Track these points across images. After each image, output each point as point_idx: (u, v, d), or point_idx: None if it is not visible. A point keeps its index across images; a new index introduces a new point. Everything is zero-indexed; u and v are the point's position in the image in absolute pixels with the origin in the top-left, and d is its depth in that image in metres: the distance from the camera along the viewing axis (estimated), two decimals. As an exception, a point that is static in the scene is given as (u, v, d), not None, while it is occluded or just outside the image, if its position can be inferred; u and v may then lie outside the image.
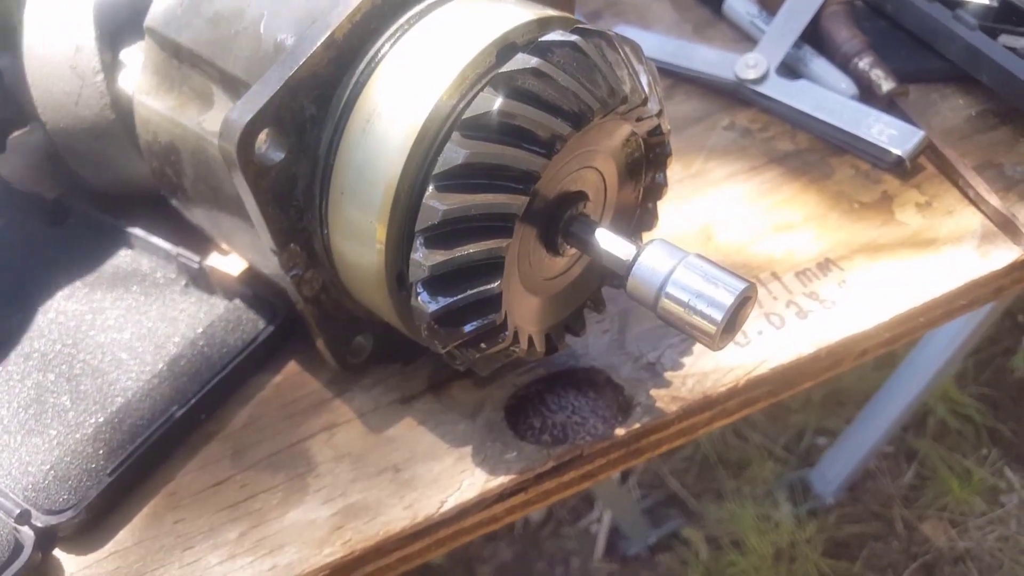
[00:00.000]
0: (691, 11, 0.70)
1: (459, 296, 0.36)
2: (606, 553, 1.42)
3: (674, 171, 0.44)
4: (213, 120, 0.40)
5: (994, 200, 0.54)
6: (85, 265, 0.51)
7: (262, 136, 0.35)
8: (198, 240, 0.50)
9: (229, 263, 0.51)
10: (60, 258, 0.52)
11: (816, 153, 0.59)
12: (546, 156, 0.34)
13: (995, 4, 0.63)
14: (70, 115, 0.47)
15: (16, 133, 0.55)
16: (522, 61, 0.34)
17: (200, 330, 0.47)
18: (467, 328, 0.37)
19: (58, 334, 0.48)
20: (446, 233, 0.35)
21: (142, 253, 0.52)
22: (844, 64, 0.61)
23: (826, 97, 0.59)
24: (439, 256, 0.35)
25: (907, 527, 1.43)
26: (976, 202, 0.55)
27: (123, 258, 0.52)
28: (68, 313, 0.49)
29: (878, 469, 1.48)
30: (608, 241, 0.38)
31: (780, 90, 0.60)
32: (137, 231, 0.51)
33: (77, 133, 0.48)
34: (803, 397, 1.56)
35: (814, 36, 0.63)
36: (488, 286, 0.36)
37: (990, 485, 1.44)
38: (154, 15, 0.42)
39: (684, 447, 1.49)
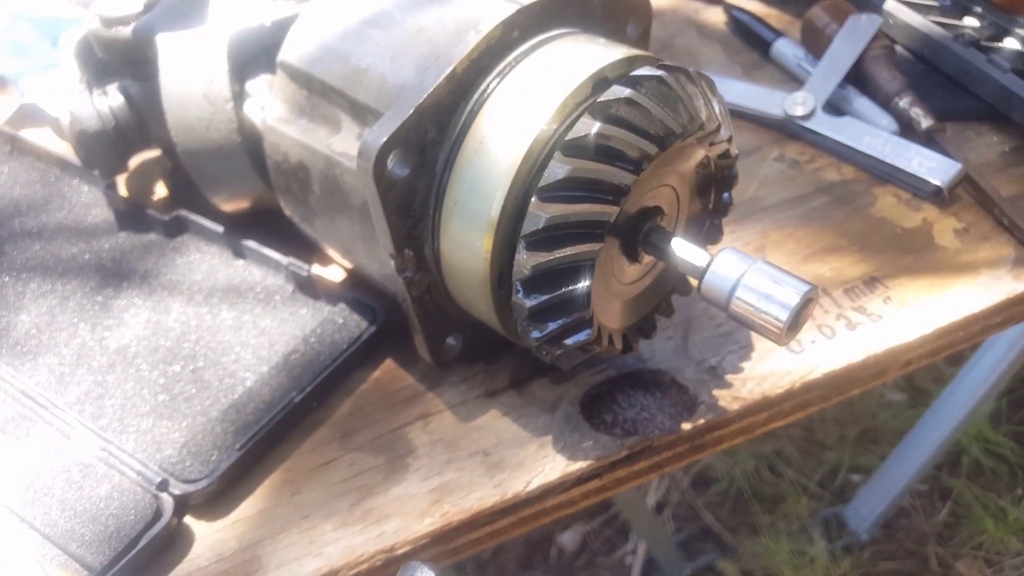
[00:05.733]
0: (740, 54, 0.76)
1: (554, 294, 0.41)
2: (641, 585, 1.43)
3: (731, 197, 0.50)
4: (341, 142, 0.46)
5: (1027, 227, 0.59)
6: (202, 273, 0.58)
7: (392, 154, 0.41)
8: (301, 252, 0.56)
9: (331, 272, 0.57)
10: (179, 267, 0.58)
11: (860, 183, 0.64)
12: (635, 172, 0.40)
13: (1026, 50, 0.69)
14: (201, 138, 0.54)
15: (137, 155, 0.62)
16: (616, 92, 0.40)
17: (309, 329, 0.53)
18: (559, 322, 0.42)
19: (181, 332, 0.54)
20: (546, 238, 0.40)
21: (253, 263, 0.58)
22: (885, 103, 0.67)
23: (869, 132, 0.64)
24: (540, 258, 0.40)
25: (942, 565, 1.43)
26: (1010, 229, 0.59)
27: (236, 267, 0.58)
28: (189, 314, 0.55)
29: (912, 507, 1.48)
30: (683, 249, 0.43)
31: (826, 125, 0.66)
32: (250, 243, 0.57)
33: (206, 154, 0.54)
34: (837, 434, 1.58)
35: (857, 77, 0.68)
36: (580, 284, 0.41)
37: (1026, 525, 1.44)
38: (288, 51, 0.48)
39: (719, 482, 1.52)
